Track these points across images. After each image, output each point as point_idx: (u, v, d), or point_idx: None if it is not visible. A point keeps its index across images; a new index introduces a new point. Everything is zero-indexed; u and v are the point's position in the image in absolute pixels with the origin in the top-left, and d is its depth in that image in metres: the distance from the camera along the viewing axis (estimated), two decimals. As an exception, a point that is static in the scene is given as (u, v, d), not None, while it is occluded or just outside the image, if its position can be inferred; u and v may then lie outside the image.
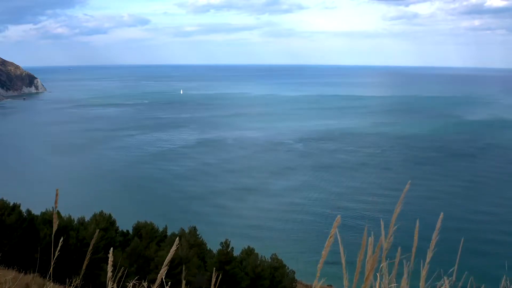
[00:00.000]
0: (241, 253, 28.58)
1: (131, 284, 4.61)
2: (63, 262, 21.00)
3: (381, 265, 2.89)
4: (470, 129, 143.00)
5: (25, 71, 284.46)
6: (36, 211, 27.64)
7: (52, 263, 3.59)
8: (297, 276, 32.00)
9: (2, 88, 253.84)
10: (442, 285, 3.06)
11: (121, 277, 4.13)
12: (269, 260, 28.37)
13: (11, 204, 26.08)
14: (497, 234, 58.64)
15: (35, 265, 19.86)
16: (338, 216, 2.68)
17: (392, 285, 2.99)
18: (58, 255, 3.56)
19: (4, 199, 26.47)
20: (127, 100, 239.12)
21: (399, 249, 2.95)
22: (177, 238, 3.07)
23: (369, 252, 2.73)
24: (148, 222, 28.27)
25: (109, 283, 3.26)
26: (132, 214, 48.50)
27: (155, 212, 59.74)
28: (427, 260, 2.85)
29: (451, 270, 3.08)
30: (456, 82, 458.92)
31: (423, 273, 2.87)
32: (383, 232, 2.84)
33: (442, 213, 2.95)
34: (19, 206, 26.38)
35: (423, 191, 74.29)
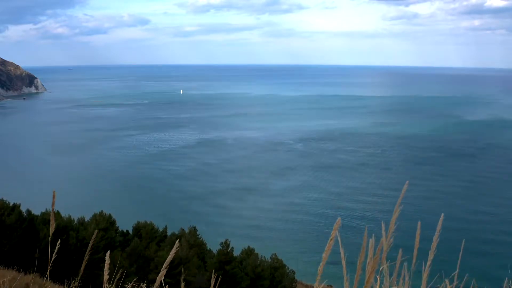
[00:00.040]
0: (241, 253, 28.58)
1: (130, 286, 4.60)
2: (63, 262, 21.00)
3: (381, 267, 2.87)
4: (470, 129, 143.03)
5: (25, 71, 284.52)
6: (36, 211, 27.64)
7: (49, 266, 3.58)
8: (297, 276, 32.00)
9: (2, 88, 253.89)
10: None
11: (119, 278, 4.12)
12: (269, 260, 28.37)
13: (11, 204, 26.08)
14: (497, 234, 58.65)
15: (35, 265, 19.84)
16: (339, 218, 2.67)
17: (393, 287, 2.97)
18: (58, 255, 3.55)
19: (4, 199, 26.47)
20: (127, 100, 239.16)
21: (400, 251, 2.94)
22: (177, 240, 3.05)
23: (370, 254, 2.72)
24: (148, 222, 28.27)
25: (105, 286, 3.24)
26: (132, 214, 48.54)
27: (155, 212, 59.75)
28: (428, 262, 2.83)
29: (453, 274, 3.06)
30: (456, 82, 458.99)
31: (424, 275, 2.85)
32: (383, 234, 2.82)
33: (442, 214, 2.94)
34: (19, 206, 26.37)
35: (423, 191, 74.34)
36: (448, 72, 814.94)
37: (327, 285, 35.59)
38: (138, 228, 27.94)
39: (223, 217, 64.68)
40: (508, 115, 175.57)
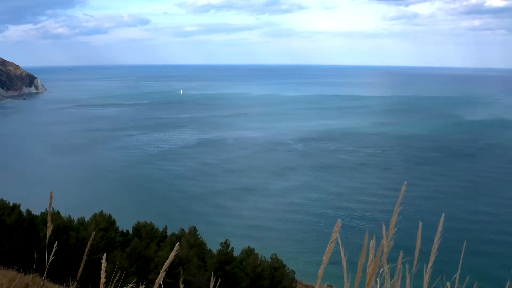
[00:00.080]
0: (241, 253, 28.57)
1: (129, 287, 4.59)
2: (63, 263, 21.00)
3: (382, 270, 2.86)
4: (470, 129, 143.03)
5: (25, 71, 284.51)
6: (36, 211, 27.62)
7: (46, 267, 3.57)
8: (297, 276, 32.00)
9: (2, 88, 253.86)
10: None
11: (118, 280, 4.11)
12: (269, 260, 28.36)
13: (11, 204, 26.07)
14: (497, 234, 58.64)
15: (35, 266, 19.84)
16: (339, 220, 2.66)
17: None
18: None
19: (4, 199, 26.45)
20: (127, 100, 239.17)
21: (401, 252, 2.92)
22: (177, 244, 3.04)
23: (371, 256, 2.71)
24: (148, 222, 28.26)
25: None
26: (132, 214, 48.52)
27: (155, 212, 59.75)
28: (430, 264, 2.82)
29: (454, 276, 3.05)
30: (456, 82, 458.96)
31: (426, 277, 2.84)
32: (384, 236, 2.81)
33: (443, 215, 2.93)
34: (19, 206, 26.35)
35: (423, 191, 74.36)
36: (448, 72, 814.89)
37: (327, 285, 35.59)
38: (138, 228, 27.94)
39: (223, 217, 64.67)
40: (508, 115, 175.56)
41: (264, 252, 30.28)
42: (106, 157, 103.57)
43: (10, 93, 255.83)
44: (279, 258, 29.12)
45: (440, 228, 2.85)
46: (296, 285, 30.25)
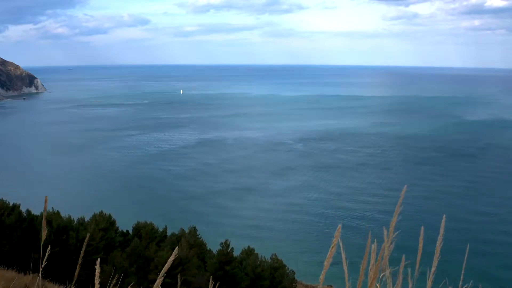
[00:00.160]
0: (241, 253, 28.54)
1: None
2: (63, 263, 20.99)
3: (382, 275, 2.84)
4: (470, 129, 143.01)
5: (25, 71, 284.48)
6: (36, 211, 27.60)
7: (40, 271, 3.57)
8: (297, 276, 31.97)
9: (2, 88, 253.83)
10: None
11: (117, 281, 4.10)
12: (269, 261, 28.34)
13: (11, 204, 26.05)
14: (497, 234, 58.61)
15: (35, 266, 19.84)
16: (339, 225, 2.65)
17: None
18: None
19: (4, 199, 26.44)
20: (127, 100, 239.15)
21: (403, 257, 2.90)
22: (176, 248, 3.03)
23: (372, 260, 2.69)
24: (148, 222, 28.24)
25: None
26: (132, 214, 48.49)
27: (155, 212, 59.73)
28: (433, 269, 2.79)
29: (459, 284, 3.03)
30: (456, 82, 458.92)
31: (429, 283, 2.81)
32: (386, 240, 2.79)
33: (444, 216, 2.91)
34: (19, 206, 26.34)
35: (423, 191, 74.34)
36: (448, 72, 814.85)
37: (327, 285, 35.57)
38: (138, 228, 27.91)
39: (223, 217, 64.65)
40: (508, 115, 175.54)
41: (264, 252, 30.25)
42: (106, 157, 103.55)
43: (10, 93, 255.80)
44: (279, 258, 29.09)
45: (442, 230, 2.82)
46: (296, 285, 30.23)
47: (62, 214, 26.83)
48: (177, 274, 20.80)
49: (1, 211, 24.76)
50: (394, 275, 2.93)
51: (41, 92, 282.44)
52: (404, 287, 2.95)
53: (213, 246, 29.47)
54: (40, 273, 3.60)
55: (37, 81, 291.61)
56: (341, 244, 2.69)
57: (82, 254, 3.53)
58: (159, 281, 2.91)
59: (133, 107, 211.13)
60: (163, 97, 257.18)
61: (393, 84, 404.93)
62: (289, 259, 36.34)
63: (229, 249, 26.13)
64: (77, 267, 3.51)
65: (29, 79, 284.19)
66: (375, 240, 2.81)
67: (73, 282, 4.12)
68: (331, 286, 35.81)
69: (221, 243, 26.68)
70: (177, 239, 26.86)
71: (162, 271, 2.85)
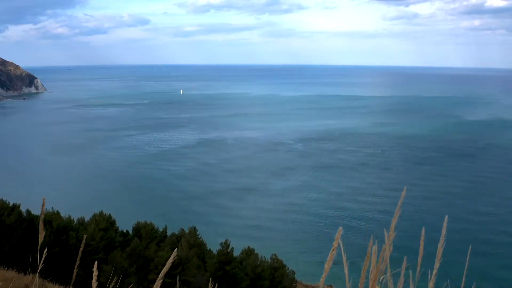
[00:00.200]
0: (241, 253, 28.53)
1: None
2: (63, 263, 20.99)
3: (382, 278, 2.82)
4: (470, 129, 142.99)
5: (25, 71, 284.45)
6: (36, 211, 27.59)
7: (37, 273, 3.56)
8: (297, 276, 31.97)
9: (2, 88, 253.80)
10: None
11: (117, 281, 4.10)
12: (269, 261, 28.33)
13: (11, 204, 26.04)
14: (497, 234, 58.61)
15: (34, 266, 19.86)
16: (340, 228, 2.64)
17: None
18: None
19: (4, 199, 26.43)
20: (127, 100, 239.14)
21: (405, 259, 2.89)
22: (175, 250, 3.02)
23: (373, 262, 2.68)
24: (148, 222, 28.22)
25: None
26: (132, 214, 48.48)
27: (155, 212, 59.73)
28: (434, 271, 2.78)
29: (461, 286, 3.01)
30: (456, 82, 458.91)
31: (430, 285, 2.80)
32: (386, 241, 2.78)
33: (446, 216, 2.89)
34: (19, 206, 26.32)
35: (423, 191, 74.33)
36: (448, 72, 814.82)
37: (327, 285, 35.56)
38: (138, 228, 27.90)
39: (223, 217, 64.64)
40: (508, 115, 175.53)
41: (264, 252, 30.25)
42: (106, 157, 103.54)
43: (10, 93, 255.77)
44: (279, 258, 29.08)
45: (444, 231, 2.80)
46: (296, 285, 30.23)
47: (62, 214, 26.82)
48: (177, 274, 20.81)
49: (1, 211, 24.75)
50: (395, 276, 2.92)
51: (41, 92, 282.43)
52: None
53: (213, 246, 29.46)
54: (37, 275, 3.59)
55: (37, 81, 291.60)
56: (341, 247, 2.69)
57: (80, 255, 3.52)
58: (158, 282, 2.90)
59: (133, 107, 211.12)
60: (163, 97, 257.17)
61: (393, 84, 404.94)
62: (289, 259, 36.35)
63: (229, 249, 26.12)
64: (75, 268, 3.51)
65: (29, 79, 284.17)
66: (376, 242, 2.80)
67: (71, 283, 4.12)
68: (331, 286, 35.81)
69: (221, 243, 26.67)
70: (177, 239, 26.85)
71: (161, 273, 2.84)
